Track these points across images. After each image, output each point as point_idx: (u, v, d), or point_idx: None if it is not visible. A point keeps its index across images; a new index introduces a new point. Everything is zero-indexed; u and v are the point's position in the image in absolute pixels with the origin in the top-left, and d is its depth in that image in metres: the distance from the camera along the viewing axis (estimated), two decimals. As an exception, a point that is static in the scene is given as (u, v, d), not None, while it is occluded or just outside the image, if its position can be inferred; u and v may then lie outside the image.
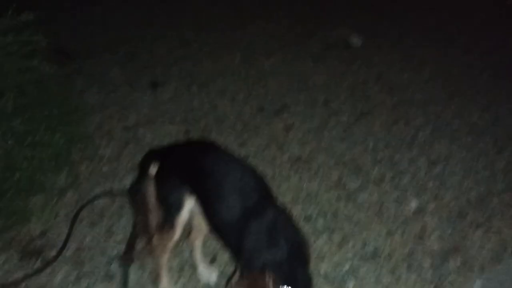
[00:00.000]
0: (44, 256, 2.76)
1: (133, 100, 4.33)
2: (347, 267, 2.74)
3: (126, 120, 4.05)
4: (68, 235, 2.88)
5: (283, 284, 1.97)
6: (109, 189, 3.30)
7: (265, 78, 4.70)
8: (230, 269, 2.64)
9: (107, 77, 4.63)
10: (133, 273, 2.67)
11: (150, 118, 4.11)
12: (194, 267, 2.73)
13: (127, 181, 3.37)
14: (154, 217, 2.44)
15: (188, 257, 2.78)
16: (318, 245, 2.88)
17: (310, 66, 4.96)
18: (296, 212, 3.07)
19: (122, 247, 2.80)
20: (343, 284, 2.64)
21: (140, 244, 2.77)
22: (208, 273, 2.70)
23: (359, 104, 4.33)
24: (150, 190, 2.41)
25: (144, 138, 3.85)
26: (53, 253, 2.78)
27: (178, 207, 2.32)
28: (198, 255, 2.68)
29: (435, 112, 4.32)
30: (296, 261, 2.03)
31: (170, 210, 2.34)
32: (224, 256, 2.77)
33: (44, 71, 3.78)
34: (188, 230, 2.59)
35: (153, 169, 2.41)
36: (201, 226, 2.50)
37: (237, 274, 2.11)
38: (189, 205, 2.33)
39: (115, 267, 2.71)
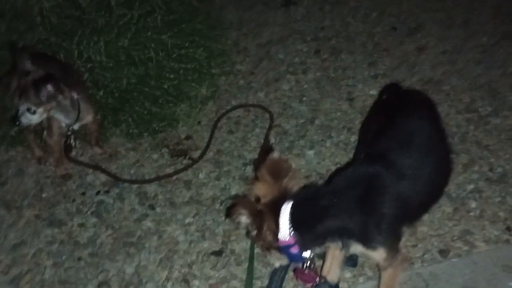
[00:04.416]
0: (190, 156, 3.17)
1: (267, 19, 4.48)
2: (471, 187, 2.77)
3: (260, 38, 4.25)
4: (210, 140, 3.25)
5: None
6: (244, 101, 3.59)
7: (400, -4, 4.55)
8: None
9: (243, -5, 4.82)
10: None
11: (282, 36, 4.26)
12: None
13: (261, 95, 3.63)
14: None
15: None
16: (443, 165, 2.92)
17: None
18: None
19: (256, 153, 3.11)
20: (466, 203, 2.69)
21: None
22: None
23: (502, 25, 4.05)
24: None
25: (277, 55, 4.04)
26: (197, 154, 3.17)
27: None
28: None
29: None
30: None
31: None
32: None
33: (186, -12, 4.11)
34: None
35: None
36: None
37: None
38: None
39: (249, 170, 3.03)
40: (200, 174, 3.03)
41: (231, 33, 4.27)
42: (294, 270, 2.19)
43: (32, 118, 2.62)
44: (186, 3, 4.18)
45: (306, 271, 2.13)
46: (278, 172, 2.02)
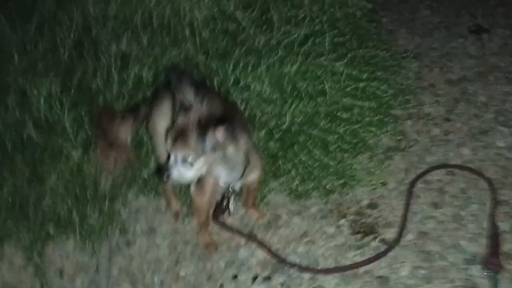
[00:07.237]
0: (379, 235, 2.24)
1: (454, 48, 3.53)
2: None
3: (450, 72, 3.29)
4: (405, 213, 2.30)
5: None
6: (443, 158, 2.62)
7: None
8: None
9: (417, 17, 3.90)
10: (504, 285, 1.97)
11: (479, 72, 3.27)
12: None
13: (466, 151, 2.65)
14: None
15: None
16: None
17: None
18: None
19: (479, 245, 2.12)
20: None
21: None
22: None
23: None
24: None
25: (476, 96, 3.06)
26: (388, 233, 2.24)
27: None
28: None
29: None
30: None
31: None
32: None
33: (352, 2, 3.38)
34: None
35: None
36: None
37: None
38: None
39: (474, 272, 2.04)
40: (400, 269, 2.08)
41: (410, 64, 3.34)
42: None
43: (187, 173, 1.81)
44: (354, 24, 3.35)
45: None
46: None
